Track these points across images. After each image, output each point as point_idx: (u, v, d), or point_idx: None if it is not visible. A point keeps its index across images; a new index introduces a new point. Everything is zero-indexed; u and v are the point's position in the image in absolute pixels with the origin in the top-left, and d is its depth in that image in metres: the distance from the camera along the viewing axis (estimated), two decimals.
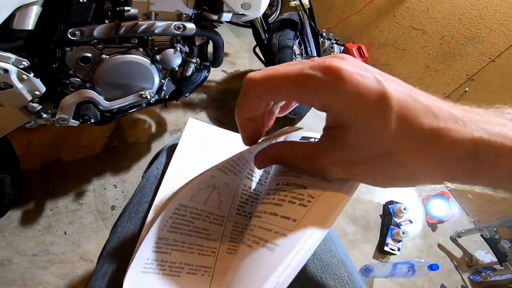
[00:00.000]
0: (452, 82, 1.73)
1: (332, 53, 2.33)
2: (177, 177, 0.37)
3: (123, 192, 1.17)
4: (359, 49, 2.21)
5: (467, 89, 1.65)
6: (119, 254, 0.33)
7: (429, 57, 1.84)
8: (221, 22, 0.93)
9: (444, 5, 1.70)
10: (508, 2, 1.42)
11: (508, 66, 1.47)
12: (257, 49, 1.47)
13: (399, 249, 1.23)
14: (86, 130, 1.32)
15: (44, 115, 0.79)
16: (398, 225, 1.28)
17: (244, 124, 0.25)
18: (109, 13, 0.73)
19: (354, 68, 0.18)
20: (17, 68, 0.64)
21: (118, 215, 0.45)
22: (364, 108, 0.18)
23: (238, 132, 0.29)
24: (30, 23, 0.61)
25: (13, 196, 0.95)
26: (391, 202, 1.37)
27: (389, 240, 1.24)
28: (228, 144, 0.44)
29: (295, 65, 0.19)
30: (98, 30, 0.70)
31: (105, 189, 1.17)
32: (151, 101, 0.95)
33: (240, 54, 2.22)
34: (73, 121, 0.84)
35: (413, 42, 1.92)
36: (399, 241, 1.24)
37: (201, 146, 0.42)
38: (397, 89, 0.18)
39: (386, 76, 0.19)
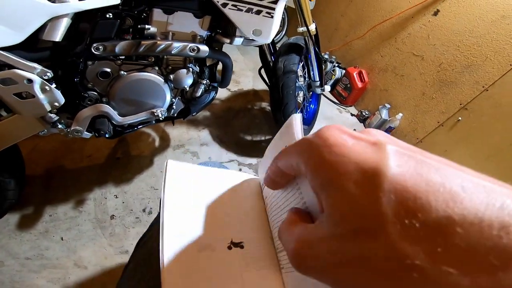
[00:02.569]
0: (447, 111, 1.78)
1: (333, 76, 2.41)
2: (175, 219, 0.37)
3: (123, 202, 1.20)
4: (359, 73, 2.29)
5: (460, 118, 1.71)
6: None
7: (426, 84, 1.90)
8: None
9: (444, 32, 1.77)
10: (506, 29, 1.48)
11: (500, 95, 1.52)
12: (262, 71, 1.54)
13: None
14: (91, 140, 1.34)
15: (60, 126, 0.83)
16: None
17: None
18: (130, 29, 0.79)
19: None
20: (41, 79, 0.68)
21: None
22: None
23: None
24: (58, 35, 0.65)
25: (14, 200, 0.97)
26: None
27: None
28: (213, 181, 0.44)
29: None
30: (119, 47, 0.75)
31: (105, 198, 1.19)
32: (160, 118, 0.99)
33: (244, 73, 2.28)
34: (87, 133, 0.88)
35: (412, 69, 1.99)
36: None
37: (189, 189, 0.41)
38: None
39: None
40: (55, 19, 0.64)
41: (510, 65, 1.48)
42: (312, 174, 0.17)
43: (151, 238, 0.44)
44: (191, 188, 0.41)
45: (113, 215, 1.16)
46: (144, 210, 1.19)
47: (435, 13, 1.82)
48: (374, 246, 0.14)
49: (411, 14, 1.96)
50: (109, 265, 1.03)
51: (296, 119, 0.34)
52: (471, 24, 1.64)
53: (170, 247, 0.34)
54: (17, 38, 0.60)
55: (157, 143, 1.48)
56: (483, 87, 1.59)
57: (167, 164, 0.41)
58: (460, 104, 1.71)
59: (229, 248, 0.36)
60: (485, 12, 1.57)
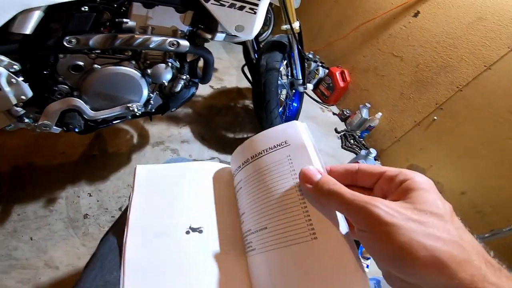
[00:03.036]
0: (423, 110, 1.84)
1: (316, 75, 2.44)
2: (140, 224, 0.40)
3: (98, 201, 1.16)
4: (342, 73, 2.33)
5: (435, 117, 1.77)
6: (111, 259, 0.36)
7: (404, 84, 1.95)
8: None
9: (423, 33, 1.82)
10: (481, 31, 1.54)
11: (474, 96, 1.58)
12: (246, 68, 1.53)
13: (367, 266, 1.29)
14: (64, 136, 1.29)
15: (26, 120, 0.79)
16: None
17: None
18: (107, 23, 0.76)
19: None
20: (7, 71, 0.65)
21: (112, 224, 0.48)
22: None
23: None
24: (29, 28, 0.62)
25: None
26: None
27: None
28: (181, 174, 0.47)
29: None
30: (94, 40, 0.72)
31: (78, 197, 1.15)
32: (137, 114, 0.97)
33: (228, 71, 2.27)
34: (56, 128, 0.84)
35: (391, 69, 2.04)
36: (368, 258, 1.31)
37: (155, 187, 0.45)
38: None
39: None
40: (27, 11, 0.62)
41: (484, 66, 1.54)
42: None
43: (113, 234, 0.44)
44: (158, 186, 0.45)
45: (87, 214, 1.12)
46: (120, 209, 1.16)
47: (416, 15, 1.87)
48: None
49: (393, 15, 2.01)
50: (82, 265, 0.98)
51: (304, 127, 0.38)
52: (449, 25, 1.69)
53: (131, 237, 0.38)
54: None
55: (135, 140, 1.44)
56: (458, 87, 1.65)
57: (135, 170, 0.46)
58: (436, 104, 1.77)
59: (187, 233, 0.39)
60: (462, 14, 1.63)
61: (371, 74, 2.21)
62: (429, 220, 0.24)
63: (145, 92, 0.92)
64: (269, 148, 0.36)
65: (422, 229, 0.23)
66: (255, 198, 0.35)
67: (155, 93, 0.99)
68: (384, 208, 0.24)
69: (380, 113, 2.08)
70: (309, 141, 0.36)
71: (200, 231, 0.39)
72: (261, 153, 0.37)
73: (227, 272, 0.35)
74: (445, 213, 0.25)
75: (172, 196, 0.43)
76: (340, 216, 0.30)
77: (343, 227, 0.29)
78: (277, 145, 0.36)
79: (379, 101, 2.14)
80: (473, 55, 1.59)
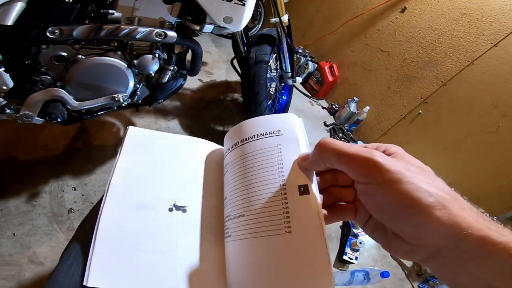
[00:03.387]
0: (409, 104, 1.89)
1: (306, 70, 2.45)
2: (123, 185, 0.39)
3: (83, 195, 1.13)
4: (330, 67, 2.35)
5: (420, 111, 1.82)
6: (86, 247, 0.33)
7: (391, 78, 2.00)
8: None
9: (409, 29, 1.87)
10: (465, 27, 1.58)
11: (457, 90, 1.64)
12: (235, 62, 1.52)
13: (356, 258, 1.33)
14: (47, 129, 1.26)
15: (7, 111, 0.77)
16: (356, 236, 1.40)
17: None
18: (92, 14, 0.74)
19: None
20: None
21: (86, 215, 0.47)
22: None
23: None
24: (10, 19, 0.61)
25: None
26: None
27: (348, 250, 1.34)
28: (174, 146, 0.46)
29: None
30: (78, 31, 0.70)
31: (63, 191, 1.12)
32: (123, 105, 0.95)
33: (218, 65, 2.25)
34: (38, 118, 0.82)
35: (378, 64, 2.08)
36: (357, 250, 1.35)
37: (144, 153, 0.43)
38: None
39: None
40: (9, 3, 0.61)
41: (467, 61, 1.59)
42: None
43: (93, 216, 0.42)
44: (148, 154, 0.43)
45: (71, 208, 1.09)
46: None
47: (403, 10, 1.90)
48: None
49: (380, 10, 2.04)
50: None
51: (300, 122, 0.38)
52: (434, 21, 1.73)
53: (110, 205, 0.36)
54: None
55: (122, 132, 1.42)
56: (442, 82, 1.70)
57: (127, 131, 0.43)
58: (421, 98, 1.82)
59: (170, 210, 0.38)
60: (447, 10, 1.67)
61: (359, 69, 2.24)
62: (423, 172, 0.25)
63: (131, 83, 0.91)
64: (261, 134, 0.36)
65: (421, 178, 0.24)
66: (238, 183, 0.35)
67: (141, 84, 0.97)
68: (385, 157, 0.25)
69: (367, 107, 2.12)
70: (302, 136, 0.36)
71: (184, 210, 0.38)
72: (252, 138, 0.36)
73: (204, 256, 0.35)
74: (430, 170, 0.27)
75: (160, 168, 0.42)
76: (315, 213, 0.30)
77: (318, 223, 0.29)
78: (270, 132, 0.36)
79: (366, 95, 2.17)
80: (457, 50, 1.63)
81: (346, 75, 2.35)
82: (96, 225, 0.34)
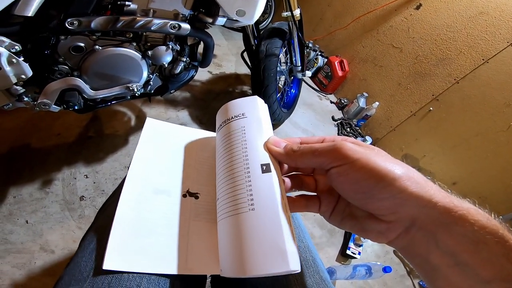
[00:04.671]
0: (419, 101, 1.89)
1: (315, 64, 2.45)
2: (140, 170, 0.41)
3: (94, 183, 1.16)
4: (341, 62, 2.35)
5: (431, 108, 1.82)
6: (107, 232, 0.34)
7: (402, 75, 1.99)
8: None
9: (424, 26, 1.85)
10: (482, 25, 1.57)
11: (470, 88, 1.63)
12: (245, 54, 1.54)
13: (359, 253, 1.35)
14: (61, 118, 1.29)
15: (26, 99, 0.79)
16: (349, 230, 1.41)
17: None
18: (109, 6, 0.76)
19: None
20: (8, 52, 0.65)
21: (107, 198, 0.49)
22: None
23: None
24: (31, 10, 0.62)
25: None
26: None
27: (351, 245, 1.37)
28: (187, 138, 0.48)
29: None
30: (95, 22, 0.72)
31: (75, 178, 1.15)
32: (136, 94, 0.98)
33: (227, 57, 2.27)
34: (55, 106, 0.85)
35: (390, 60, 2.08)
36: (360, 245, 1.37)
37: (161, 143, 0.45)
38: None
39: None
40: None
41: (482, 59, 1.57)
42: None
43: (112, 203, 0.43)
44: (163, 143, 0.45)
45: (83, 196, 1.12)
46: None
47: (418, 7, 1.89)
48: None
49: (394, 7, 2.02)
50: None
51: (263, 104, 0.41)
52: (450, 19, 1.71)
53: (128, 188, 0.38)
54: None
55: (133, 122, 1.45)
56: (455, 79, 1.69)
57: (146, 121, 0.46)
58: (432, 95, 1.81)
59: (184, 196, 0.40)
60: (464, 8, 1.65)
61: (369, 64, 2.23)
62: (381, 152, 0.28)
63: (145, 73, 0.93)
64: (229, 118, 0.39)
65: (385, 157, 0.27)
66: (217, 169, 0.38)
67: (154, 74, 1.00)
68: (351, 142, 0.29)
69: (377, 103, 2.12)
70: (266, 117, 0.38)
71: (196, 197, 0.41)
72: (223, 123, 0.39)
73: (209, 238, 0.37)
74: (385, 153, 0.29)
75: (176, 157, 0.44)
76: (277, 189, 0.31)
77: (279, 199, 0.30)
78: (236, 116, 0.38)
79: (376, 91, 2.17)
80: (472, 48, 1.62)
81: (356, 70, 2.34)
82: (116, 209, 0.36)
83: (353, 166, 0.27)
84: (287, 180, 0.35)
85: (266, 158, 0.33)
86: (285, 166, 0.36)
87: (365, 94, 2.19)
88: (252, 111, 0.38)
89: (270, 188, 0.31)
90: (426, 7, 1.85)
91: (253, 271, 0.27)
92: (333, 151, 0.28)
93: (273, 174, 0.32)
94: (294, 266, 0.27)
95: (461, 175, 1.66)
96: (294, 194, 0.36)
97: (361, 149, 0.27)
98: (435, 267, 0.25)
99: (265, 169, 0.32)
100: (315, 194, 0.35)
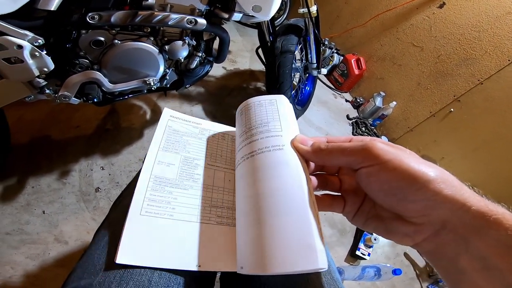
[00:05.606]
0: (440, 101, 1.85)
1: (331, 62, 2.43)
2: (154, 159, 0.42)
3: (109, 174, 1.19)
4: (357, 60, 2.32)
5: (452, 109, 1.78)
6: (121, 226, 0.35)
7: (422, 74, 1.95)
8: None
9: (447, 25, 1.81)
10: (509, 25, 1.53)
11: (495, 89, 1.58)
12: (260, 51, 1.54)
13: (369, 254, 1.34)
14: (80, 110, 1.34)
15: (47, 91, 0.83)
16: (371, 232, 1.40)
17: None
18: (128, 0, 0.79)
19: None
20: (31, 45, 0.68)
21: (122, 191, 0.50)
22: None
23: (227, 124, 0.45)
24: (54, 4, 0.65)
25: None
26: None
27: (361, 245, 1.36)
28: (203, 130, 0.49)
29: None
30: (115, 16, 0.75)
31: (91, 170, 1.18)
32: (153, 88, 1.00)
33: (242, 53, 2.29)
34: (75, 99, 0.88)
35: (410, 59, 2.04)
36: (370, 246, 1.36)
37: (179, 135, 0.46)
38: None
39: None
40: None
41: (508, 60, 1.53)
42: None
43: (127, 196, 0.43)
44: (181, 134, 0.46)
45: (98, 187, 1.15)
46: None
47: (441, 6, 1.84)
48: None
49: (415, 5, 1.99)
50: (91, 240, 1.01)
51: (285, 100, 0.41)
52: (475, 18, 1.67)
53: (144, 181, 0.38)
54: (12, 6, 0.60)
55: (148, 115, 1.48)
56: (479, 80, 1.65)
57: (163, 110, 0.47)
58: (454, 96, 1.77)
59: (203, 191, 0.41)
60: (491, 8, 1.61)
61: (388, 63, 2.20)
62: (414, 154, 0.28)
63: (162, 68, 0.95)
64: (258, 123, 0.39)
65: (417, 159, 0.26)
66: (242, 164, 0.38)
67: (171, 69, 1.02)
68: (383, 142, 0.28)
69: (394, 102, 2.09)
70: (292, 115, 0.40)
71: (216, 193, 0.41)
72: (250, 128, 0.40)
73: (224, 235, 0.37)
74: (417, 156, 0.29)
75: (195, 150, 0.45)
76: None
77: (307, 198, 0.30)
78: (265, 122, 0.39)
79: (394, 90, 2.14)
80: (498, 48, 1.57)
81: (373, 69, 2.31)
82: (130, 203, 0.36)
83: (385, 167, 0.26)
84: (313, 178, 0.35)
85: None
86: (312, 165, 0.36)
87: (382, 93, 2.16)
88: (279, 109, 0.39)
89: (299, 185, 0.31)
90: (450, 6, 1.80)
91: (281, 268, 0.27)
92: (364, 150, 0.28)
93: (301, 170, 0.32)
94: (322, 264, 0.27)
95: (481, 178, 1.61)
96: (318, 193, 0.35)
97: (392, 149, 0.27)
98: (461, 271, 0.25)
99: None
100: (340, 194, 0.35)
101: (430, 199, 0.25)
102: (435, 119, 1.88)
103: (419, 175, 0.24)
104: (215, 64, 1.15)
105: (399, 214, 0.28)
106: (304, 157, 0.34)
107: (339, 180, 0.36)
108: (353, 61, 2.31)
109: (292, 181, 0.31)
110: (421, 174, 0.24)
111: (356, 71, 2.31)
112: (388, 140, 2.11)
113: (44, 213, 1.03)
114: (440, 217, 0.25)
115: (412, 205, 0.26)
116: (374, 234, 1.38)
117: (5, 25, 0.63)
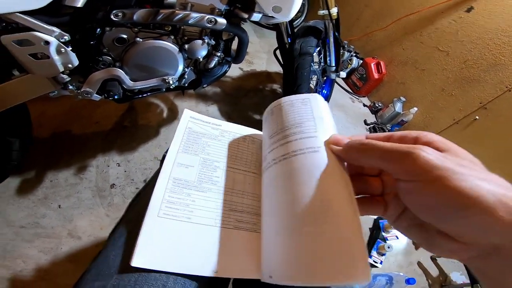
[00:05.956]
0: (464, 109, 1.78)
1: (349, 65, 2.40)
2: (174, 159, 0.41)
3: (125, 171, 1.22)
4: (377, 64, 2.28)
5: (477, 117, 1.71)
6: (138, 227, 0.34)
7: (447, 80, 1.90)
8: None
9: (475, 29, 1.75)
10: None
11: None
12: (278, 52, 1.54)
13: (381, 262, 1.31)
14: (101, 107, 1.38)
15: (70, 87, 0.86)
16: (384, 240, 1.37)
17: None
18: None
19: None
20: (58, 41, 0.71)
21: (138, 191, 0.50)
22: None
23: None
24: (80, 1, 0.67)
25: (17, 162, 0.96)
26: (381, 217, 1.45)
27: (373, 253, 1.33)
28: (222, 132, 0.48)
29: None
30: (138, 14, 0.76)
31: (108, 166, 1.21)
32: (171, 87, 1.02)
33: (259, 55, 2.31)
34: (96, 95, 0.91)
35: (434, 63, 1.98)
36: (383, 254, 1.33)
37: (200, 136, 0.45)
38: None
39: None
40: None
41: None
42: None
43: (144, 196, 0.43)
44: (200, 134, 0.46)
45: (114, 184, 1.17)
46: (145, 181, 1.21)
47: (469, 10, 1.79)
48: None
49: (441, 9, 1.93)
50: (104, 236, 1.02)
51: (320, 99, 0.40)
52: (506, 23, 1.61)
53: (162, 183, 0.38)
54: (41, 2, 0.63)
55: (165, 114, 1.51)
56: (507, 87, 1.59)
57: (184, 112, 0.47)
58: (480, 103, 1.71)
59: (225, 195, 0.40)
60: None
61: (409, 68, 2.15)
62: (475, 166, 0.23)
63: (181, 67, 0.97)
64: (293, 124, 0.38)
65: (476, 174, 0.21)
66: (271, 165, 0.37)
67: (189, 68, 1.03)
68: (431, 152, 0.22)
69: (415, 108, 2.04)
70: (328, 115, 0.38)
71: (239, 197, 0.40)
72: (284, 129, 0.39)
73: (247, 241, 0.36)
74: (479, 161, 0.24)
75: (217, 151, 0.44)
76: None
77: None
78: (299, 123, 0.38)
79: (415, 95, 2.09)
80: None
81: (394, 73, 2.26)
82: (148, 204, 0.35)
83: (429, 186, 0.22)
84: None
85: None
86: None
87: (402, 99, 2.11)
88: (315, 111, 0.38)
89: (338, 190, 0.29)
90: (478, 10, 1.74)
91: (320, 279, 0.25)
92: (406, 159, 0.23)
93: (339, 173, 0.30)
94: (366, 277, 0.24)
95: None
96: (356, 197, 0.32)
97: (445, 162, 0.22)
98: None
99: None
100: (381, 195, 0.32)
101: (484, 228, 0.21)
102: (458, 126, 1.82)
103: (473, 201, 0.20)
104: (232, 65, 1.16)
105: (444, 231, 0.24)
106: (339, 158, 0.31)
107: (381, 181, 0.32)
108: (372, 65, 2.27)
109: (330, 186, 0.29)
110: (476, 199, 0.20)
111: (376, 75, 2.27)
112: None
113: (60, 207, 1.05)
114: (491, 242, 0.22)
115: (459, 228, 0.22)
116: (388, 242, 1.35)
117: (33, 21, 0.65)
